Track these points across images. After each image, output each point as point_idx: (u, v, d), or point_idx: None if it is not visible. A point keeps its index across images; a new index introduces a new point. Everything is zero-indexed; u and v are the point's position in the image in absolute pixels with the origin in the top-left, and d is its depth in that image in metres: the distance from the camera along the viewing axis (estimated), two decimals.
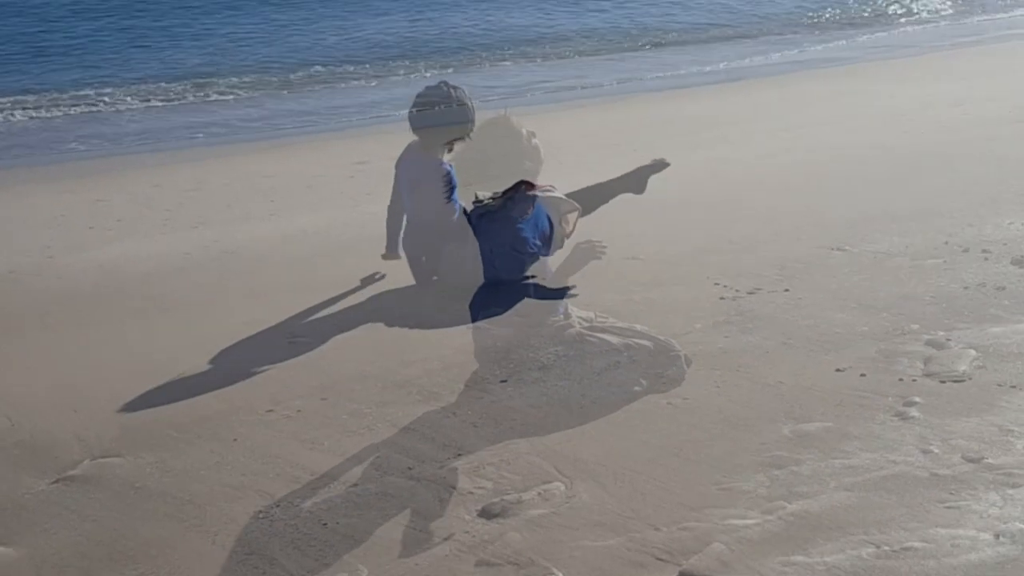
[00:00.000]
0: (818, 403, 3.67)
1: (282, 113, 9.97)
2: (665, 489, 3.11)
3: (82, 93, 10.50)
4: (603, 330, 4.10)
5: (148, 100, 10.33)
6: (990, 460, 3.27)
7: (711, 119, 8.52)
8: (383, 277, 4.96)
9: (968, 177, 6.39)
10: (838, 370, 3.88)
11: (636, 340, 4.00)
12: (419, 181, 4.73)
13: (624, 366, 3.89)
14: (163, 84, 10.97)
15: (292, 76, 11.44)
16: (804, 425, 3.53)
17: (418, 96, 4.81)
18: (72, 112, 9.94)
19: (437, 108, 4.72)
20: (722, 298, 4.53)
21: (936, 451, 3.34)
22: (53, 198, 6.80)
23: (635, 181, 5.14)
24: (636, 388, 3.73)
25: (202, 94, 10.59)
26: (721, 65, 11.66)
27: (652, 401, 3.65)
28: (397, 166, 4.88)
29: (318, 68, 11.93)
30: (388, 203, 5.01)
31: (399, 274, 4.92)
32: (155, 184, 7.00)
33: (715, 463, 3.25)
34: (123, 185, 7.06)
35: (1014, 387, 3.75)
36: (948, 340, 4.12)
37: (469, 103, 4.76)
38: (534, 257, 4.68)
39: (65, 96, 10.35)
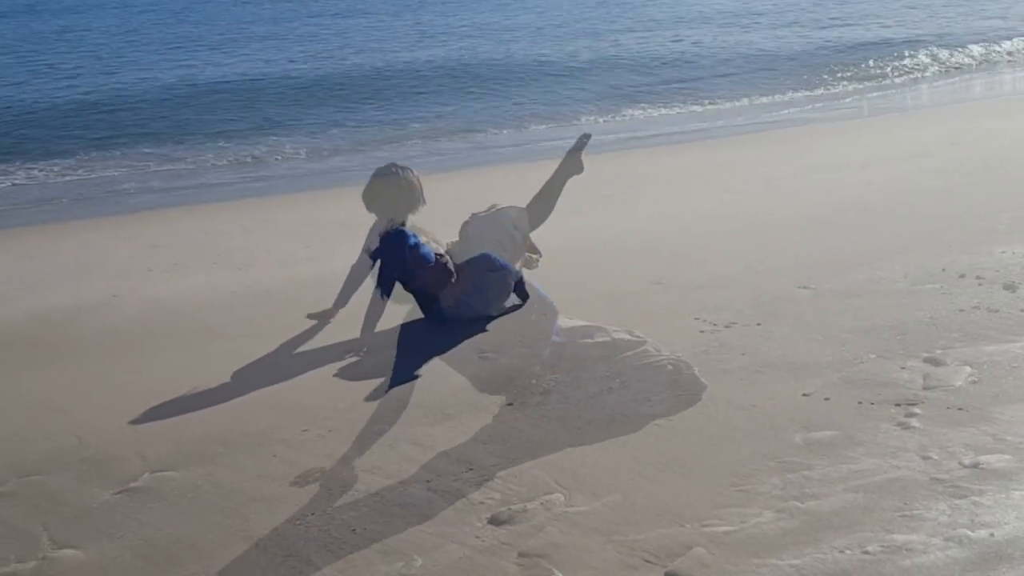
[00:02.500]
0: (826, 414, 3.69)
1: (315, 171, 10.01)
2: (652, 499, 3.17)
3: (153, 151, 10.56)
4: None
5: (198, 159, 10.34)
6: (985, 465, 3.27)
7: (687, 171, 8.52)
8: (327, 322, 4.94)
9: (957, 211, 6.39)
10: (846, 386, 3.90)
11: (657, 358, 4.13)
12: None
13: (616, 391, 3.94)
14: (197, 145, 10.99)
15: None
16: (815, 434, 3.55)
17: (372, 176, 4.85)
18: (136, 166, 10.03)
19: (387, 188, 4.78)
20: (701, 331, 4.55)
21: (935, 457, 3.34)
22: (117, 243, 6.86)
23: (572, 164, 5.34)
24: (649, 405, 3.79)
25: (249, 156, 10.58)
26: (689, 125, 11.51)
27: (640, 422, 3.70)
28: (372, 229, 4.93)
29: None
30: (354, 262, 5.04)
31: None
32: (205, 231, 7.06)
33: (706, 475, 3.30)
34: (177, 231, 7.12)
35: (1007, 400, 3.75)
36: (945, 358, 4.14)
37: (416, 182, 4.81)
38: (505, 270, 4.84)
39: (134, 152, 10.44)
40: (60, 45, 18.52)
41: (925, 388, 3.87)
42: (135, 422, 3.91)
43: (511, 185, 6.54)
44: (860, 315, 4.65)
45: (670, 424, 3.68)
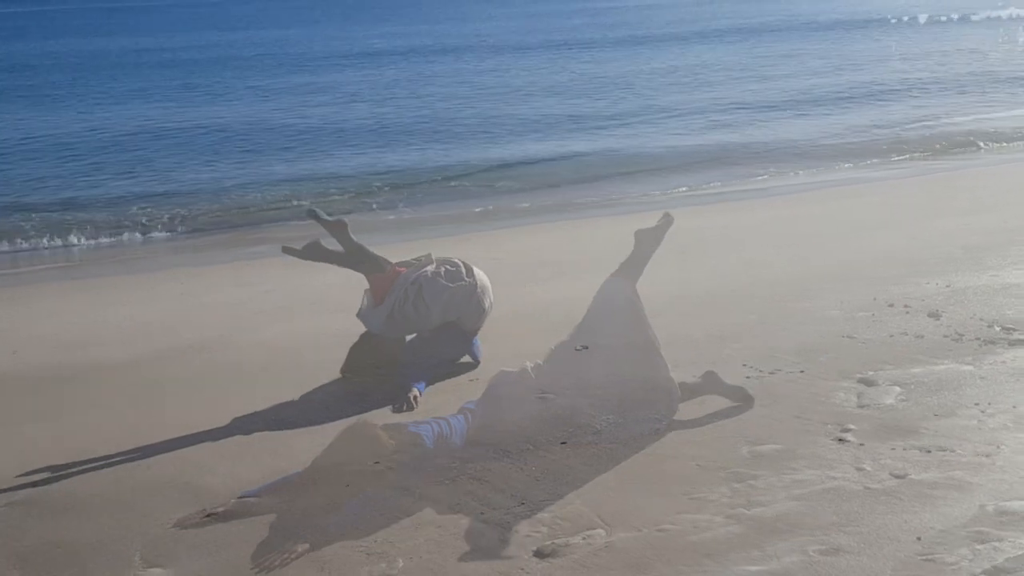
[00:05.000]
0: (770, 429, 3.83)
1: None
2: (686, 535, 3.09)
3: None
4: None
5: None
6: (913, 476, 3.36)
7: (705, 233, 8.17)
8: None
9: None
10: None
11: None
12: None
13: (663, 432, 3.86)
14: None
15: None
16: (760, 447, 3.68)
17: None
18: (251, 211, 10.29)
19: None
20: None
21: (868, 469, 3.45)
22: (234, 289, 7.04)
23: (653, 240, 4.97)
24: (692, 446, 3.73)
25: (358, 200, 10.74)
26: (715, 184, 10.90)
27: (681, 462, 3.63)
28: None
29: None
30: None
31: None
32: (313, 279, 7.11)
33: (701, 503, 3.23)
34: (288, 278, 7.18)
35: (932, 416, 3.87)
36: (877, 379, 4.28)
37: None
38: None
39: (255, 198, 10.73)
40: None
41: (859, 406, 3.99)
42: (231, 450, 3.99)
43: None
44: (799, 340, 4.82)
45: (700, 467, 3.59)
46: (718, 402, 4.12)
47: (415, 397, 4.37)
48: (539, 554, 3.04)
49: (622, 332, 4.05)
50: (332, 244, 4.91)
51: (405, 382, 4.50)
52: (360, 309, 4.84)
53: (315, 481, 3.62)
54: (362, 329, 4.92)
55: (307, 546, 3.16)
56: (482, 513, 3.32)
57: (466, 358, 4.88)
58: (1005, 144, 12.19)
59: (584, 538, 3.11)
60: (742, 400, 4.09)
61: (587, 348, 4.06)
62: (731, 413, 4.01)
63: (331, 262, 4.88)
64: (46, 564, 3.16)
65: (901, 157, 11.95)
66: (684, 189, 10.65)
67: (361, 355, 4.80)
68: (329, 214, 5.05)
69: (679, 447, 3.75)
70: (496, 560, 3.03)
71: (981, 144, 12.21)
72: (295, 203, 10.24)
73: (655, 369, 4.02)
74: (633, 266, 4.22)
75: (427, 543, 3.15)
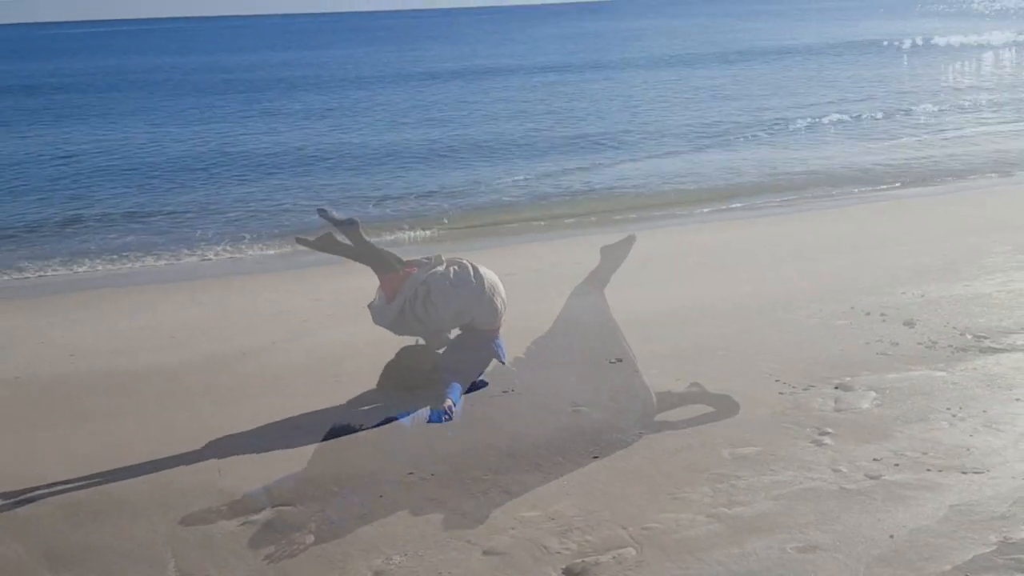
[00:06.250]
0: (751, 432, 3.89)
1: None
2: (716, 558, 2.98)
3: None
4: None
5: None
6: (887, 477, 3.45)
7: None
8: None
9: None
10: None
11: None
12: None
13: (695, 448, 3.74)
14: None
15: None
16: (741, 449, 3.75)
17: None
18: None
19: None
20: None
21: (844, 470, 3.52)
22: (281, 296, 7.02)
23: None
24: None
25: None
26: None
27: (714, 484, 3.51)
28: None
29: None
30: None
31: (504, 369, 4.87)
32: (359, 287, 7.11)
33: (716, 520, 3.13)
34: (336, 287, 7.14)
35: (906, 421, 3.94)
36: (854, 384, 4.36)
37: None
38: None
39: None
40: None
41: (836, 410, 4.06)
42: (270, 458, 3.94)
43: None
44: (780, 348, 4.89)
45: (735, 486, 3.44)
46: (704, 408, 4.16)
47: (450, 407, 4.28)
48: (568, 572, 2.94)
49: (600, 345, 4.37)
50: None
51: (440, 393, 4.42)
52: (372, 304, 4.80)
53: (350, 491, 3.57)
54: (399, 343, 4.87)
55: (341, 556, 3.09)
56: (512, 528, 3.23)
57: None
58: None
59: (614, 557, 3.00)
60: (728, 407, 4.16)
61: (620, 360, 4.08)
62: (715, 418, 4.07)
63: (342, 255, 4.87)
64: (79, 570, 3.13)
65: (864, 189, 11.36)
66: (707, 210, 10.33)
67: (397, 370, 4.74)
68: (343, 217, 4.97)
69: (699, 461, 3.65)
70: None
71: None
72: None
73: (634, 378, 4.23)
74: (599, 277, 4.69)
75: (456, 556, 3.07)
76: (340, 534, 3.26)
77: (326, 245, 4.84)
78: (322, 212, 4.87)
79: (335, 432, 4.15)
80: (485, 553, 3.08)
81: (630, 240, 4.94)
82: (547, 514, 3.30)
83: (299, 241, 4.93)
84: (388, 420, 4.29)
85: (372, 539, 3.22)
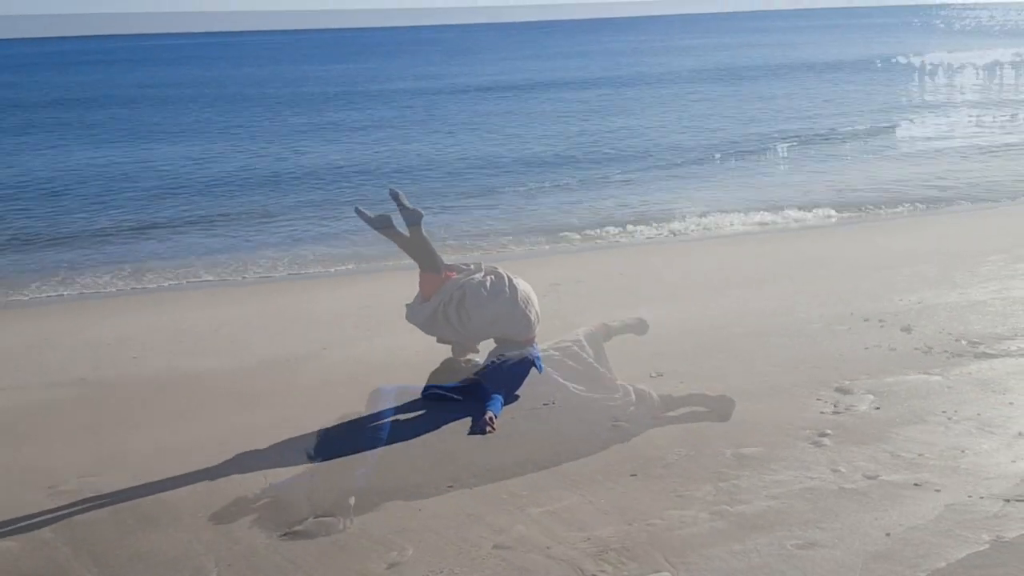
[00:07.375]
0: (753, 433, 3.93)
1: None
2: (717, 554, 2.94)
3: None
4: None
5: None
6: (884, 477, 3.47)
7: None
8: None
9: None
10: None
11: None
12: None
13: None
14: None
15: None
16: (743, 449, 3.80)
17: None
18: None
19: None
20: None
21: (843, 471, 3.55)
22: (331, 303, 6.97)
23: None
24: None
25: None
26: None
27: (751, 504, 3.43)
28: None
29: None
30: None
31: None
32: (400, 296, 6.93)
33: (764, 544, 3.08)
34: (384, 293, 6.94)
35: (903, 423, 3.98)
36: (852, 387, 4.40)
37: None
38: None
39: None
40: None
41: (835, 413, 4.06)
42: (313, 467, 3.92)
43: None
44: (781, 351, 4.95)
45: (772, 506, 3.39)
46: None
47: (491, 419, 4.26)
48: None
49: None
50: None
51: (482, 405, 4.41)
52: (410, 303, 4.81)
53: (390, 502, 3.55)
54: (446, 352, 4.89)
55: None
56: (548, 547, 3.17)
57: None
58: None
59: None
60: (727, 408, 4.24)
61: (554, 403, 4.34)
62: (715, 419, 4.15)
63: (394, 239, 4.83)
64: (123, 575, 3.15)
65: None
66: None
67: (441, 380, 4.74)
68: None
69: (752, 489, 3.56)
70: None
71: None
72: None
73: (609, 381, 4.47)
74: (604, 333, 4.90)
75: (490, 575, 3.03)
76: (376, 544, 3.24)
77: (382, 225, 4.80)
78: (393, 194, 4.83)
79: (378, 442, 4.13)
80: (519, 570, 3.04)
81: (642, 326, 5.06)
82: (584, 534, 3.25)
83: (358, 212, 4.87)
84: (434, 393, 4.46)
85: (408, 551, 3.20)
